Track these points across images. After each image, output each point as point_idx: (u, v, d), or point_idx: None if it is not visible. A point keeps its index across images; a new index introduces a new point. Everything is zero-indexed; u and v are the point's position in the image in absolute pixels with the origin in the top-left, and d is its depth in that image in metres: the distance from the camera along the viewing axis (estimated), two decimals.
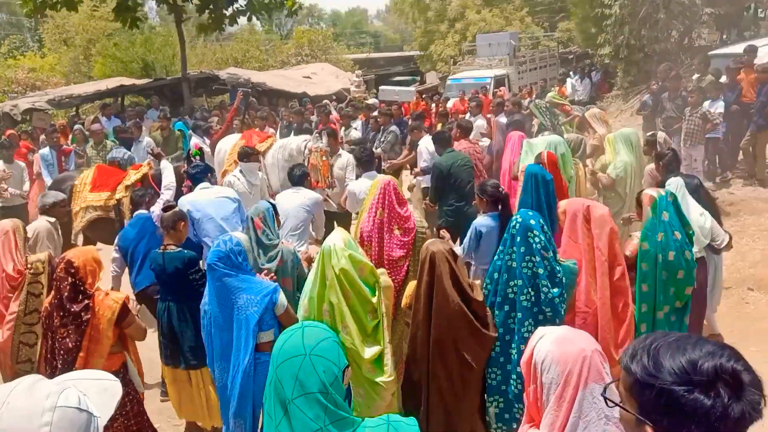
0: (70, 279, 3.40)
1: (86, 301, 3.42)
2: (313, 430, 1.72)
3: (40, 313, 3.77)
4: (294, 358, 1.77)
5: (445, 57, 28.12)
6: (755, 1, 17.07)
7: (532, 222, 3.27)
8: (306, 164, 7.09)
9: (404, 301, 3.70)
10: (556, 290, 3.22)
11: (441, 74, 25.64)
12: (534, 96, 14.11)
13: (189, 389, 4.18)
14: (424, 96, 17.10)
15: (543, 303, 3.20)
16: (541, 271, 3.20)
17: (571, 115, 9.43)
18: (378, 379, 3.22)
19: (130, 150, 8.90)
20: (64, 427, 1.10)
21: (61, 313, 3.43)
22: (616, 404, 1.40)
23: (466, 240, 4.82)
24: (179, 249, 4.13)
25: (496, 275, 3.39)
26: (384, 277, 3.45)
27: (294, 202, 5.59)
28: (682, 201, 4.35)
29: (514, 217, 3.40)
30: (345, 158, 7.35)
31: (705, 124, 8.35)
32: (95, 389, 1.25)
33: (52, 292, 3.58)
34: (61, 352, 3.45)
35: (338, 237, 3.27)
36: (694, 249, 4.07)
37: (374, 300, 3.23)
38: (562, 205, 3.90)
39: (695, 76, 10.17)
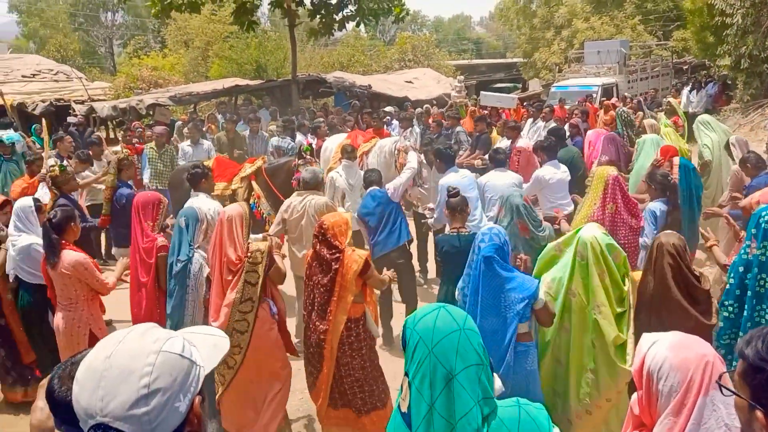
0: (321, 236, 4.03)
1: (337, 254, 3.97)
2: (470, 406, 1.78)
3: (254, 302, 4.06)
4: (452, 333, 1.84)
5: (550, 65, 27.57)
6: None
7: None
8: (396, 164, 7.32)
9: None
10: None
11: (544, 82, 25.15)
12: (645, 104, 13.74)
13: None
14: (525, 103, 16.86)
15: None
16: None
17: (679, 127, 9.43)
18: (620, 365, 3.46)
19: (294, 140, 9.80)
20: (166, 371, 1.19)
21: (319, 262, 4.05)
22: (731, 391, 1.42)
23: (648, 227, 5.16)
24: (470, 232, 4.54)
25: (741, 269, 3.60)
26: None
27: (504, 181, 6.26)
28: None
29: (761, 211, 3.57)
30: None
31: None
32: (205, 342, 1.36)
33: (312, 250, 4.19)
34: (317, 295, 4.05)
35: (595, 227, 3.64)
36: None
37: (625, 288, 3.54)
38: (756, 196, 4.08)
39: None
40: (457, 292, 3.91)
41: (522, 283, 3.51)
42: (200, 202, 5.12)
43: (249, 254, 4.08)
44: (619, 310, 3.55)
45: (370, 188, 6.09)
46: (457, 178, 6.18)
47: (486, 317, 3.53)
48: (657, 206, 5.19)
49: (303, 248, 5.51)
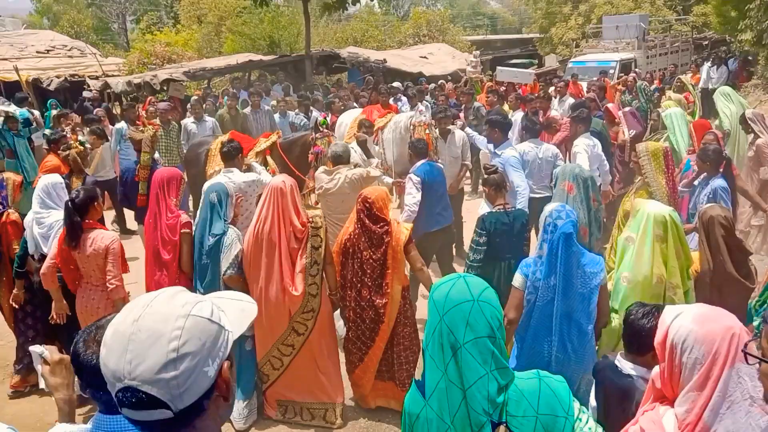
0: (367, 211, 4.11)
1: (386, 227, 4.09)
2: (480, 375, 1.78)
3: (319, 264, 4.17)
4: (463, 303, 1.83)
5: (567, 40, 27.09)
6: None
7: None
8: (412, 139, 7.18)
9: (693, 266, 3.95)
10: None
11: (561, 57, 24.76)
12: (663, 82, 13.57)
13: None
14: (541, 79, 16.65)
15: None
16: None
17: (690, 104, 9.63)
18: None
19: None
20: (195, 334, 1.17)
21: (367, 237, 4.12)
22: (758, 357, 1.40)
23: (726, 205, 5.10)
24: (513, 207, 4.52)
25: None
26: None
27: (543, 154, 6.22)
28: None
29: None
30: (459, 135, 7.25)
31: None
32: (233, 307, 1.34)
33: (353, 225, 4.24)
34: (368, 270, 4.11)
35: (658, 204, 3.73)
36: None
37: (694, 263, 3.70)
38: None
39: None
40: (518, 280, 3.54)
41: (593, 258, 3.45)
42: (235, 177, 5.20)
43: (310, 219, 4.17)
44: (688, 285, 3.61)
45: (426, 160, 5.77)
46: (515, 153, 6.04)
47: (564, 301, 3.38)
48: (723, 183, 5.07)
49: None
